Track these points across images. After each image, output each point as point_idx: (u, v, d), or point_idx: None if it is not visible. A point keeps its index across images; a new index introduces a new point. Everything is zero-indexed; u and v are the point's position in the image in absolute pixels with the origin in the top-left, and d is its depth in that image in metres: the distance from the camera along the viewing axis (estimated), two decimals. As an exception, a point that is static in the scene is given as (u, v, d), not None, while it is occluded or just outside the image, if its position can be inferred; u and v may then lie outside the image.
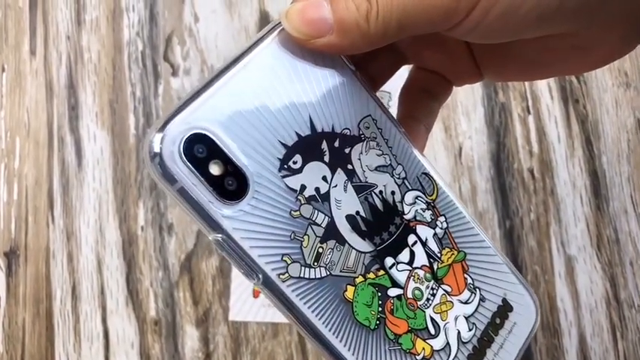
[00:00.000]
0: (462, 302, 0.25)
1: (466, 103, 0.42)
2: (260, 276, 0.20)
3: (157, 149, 0.18)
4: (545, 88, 0.42)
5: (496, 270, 0.26)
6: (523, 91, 0.42)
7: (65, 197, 0.41)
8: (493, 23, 0.20)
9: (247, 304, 0.39)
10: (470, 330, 0.25)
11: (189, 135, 0.19)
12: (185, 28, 0.43)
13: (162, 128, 0.18)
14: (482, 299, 0.25)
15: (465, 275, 0.25)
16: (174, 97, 0.42)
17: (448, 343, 0.25)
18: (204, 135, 0.19)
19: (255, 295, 0.39)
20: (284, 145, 0.21)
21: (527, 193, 0.41)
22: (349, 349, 0.22)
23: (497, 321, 0.26)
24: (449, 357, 0.25)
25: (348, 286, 0.22)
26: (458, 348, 0.25)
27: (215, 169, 0.19)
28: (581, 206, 0.40)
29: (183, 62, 0.43)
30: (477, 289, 0.25)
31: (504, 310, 0.26)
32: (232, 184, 0.20)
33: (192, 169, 0.19)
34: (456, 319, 0.25)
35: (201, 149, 0.19)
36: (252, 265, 0.20)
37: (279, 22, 0.20)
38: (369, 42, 0.20)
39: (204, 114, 0.19)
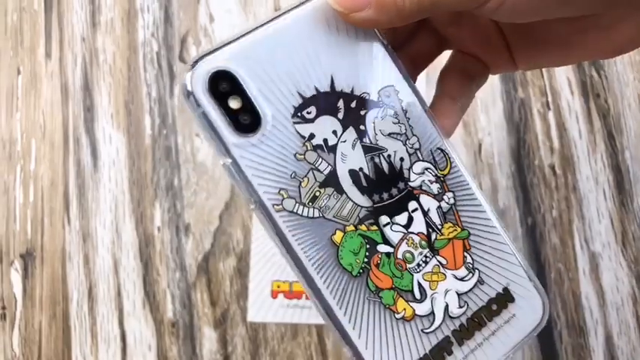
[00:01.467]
0: (456, 278, 0.25)
1: (485, 99, 0.41)
2: (256, 202, 0.22)
3: (187, 77, 0.21)
4: (565, 83, 0.41)
5: (503, 259, 0.25)
6: (543, 86, 0.41)
7: (81, 198, 0.41)
8: (516, 2, 0.21)
9: (266, 305, 0.39)
10: (460, 307, 0.25)
11: (215, 70, 0.22)
12: (200, 28, 0.43)
13: (196, 61, 0.21)
14: (480, 281, 0.25)
15: (465, 254, 0.25)
16: (189, 97, 0.42)
17: (433, 312, 0.24)
18: (229, 73, 0.22)
19: (274, 295, 0.39)
20: (302, 95, 0.23)
21: (548, 190, 0.40)
22: (327, 287, 0.23)
23: (494, 307, 0.25)
24: (431, 325, 0.24)
25: (338, 231, 0.24)
26: (443, 320, 0.25)
27: (233, 104, 0.22)
28: (604, 202, 0.40)
29: (199, 62, 0.43)
30: (476, 270, 0.25)
31: (504, 299, 0.25)
32: (247, 120, 0.22)
33: (213, 99, 0.22)
34: (446, 292, 0.25)
35: (224, 85, 0.22)
36: (251, 191, 0.22)
37: None
38: (404, 17, 0.22)
39: (233, 55, 0.22)
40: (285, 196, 0.23)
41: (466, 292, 0.25)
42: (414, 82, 0.25)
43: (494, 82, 0.41)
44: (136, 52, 0.43)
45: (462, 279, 0.25)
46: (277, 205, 0.23)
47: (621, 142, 0.40)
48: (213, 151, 0.22)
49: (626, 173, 0.40)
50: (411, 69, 0.26)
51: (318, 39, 0.23)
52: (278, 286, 0.39)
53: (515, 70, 0.27)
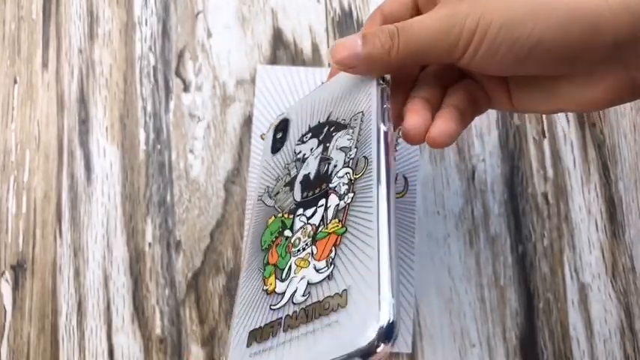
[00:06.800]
0: (314, 268, 0.26)
1: (480, 125, 0.41)
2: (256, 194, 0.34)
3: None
4: (561, 112, 0.41)
5: (362, 262, 0.23)
6: (538, 114, 0.41)
7: (73, 211, 0.41)
8: (481, 62, 0.26)
9: (254, 325, 0.39)
10: (303, 296, 0.25)
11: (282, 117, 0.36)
12: (198, 43, 0.43)
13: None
14: (330, 276, 0.25)
15: (333, 248, 0.25)
16: (185, 112, 0.42)
17: (284, 294, 0.26)
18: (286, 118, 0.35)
19: (262, 315, 0.39)
20: (309, 126, 0.33)
21: (540, 218, 0.40)
22: (247, 252, 0.31)
23: (326, 306, 0.23)
24: (277, 304, 0.26)
25: (273, 216, 0.31)
26: (287, 303, 0.26)
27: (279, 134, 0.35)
28: (596, 233, 0.40)
29: (195, 78, 0.43)
30: (333, 265, 0.25)
31: (337, 301, 0.23)
32: (280, 145, 0.34)
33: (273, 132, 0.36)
34: (302, 278, 0.26)
35: (281, 125, 0.35)
36: (256, 186, 0.34)
37: None
38: (391, 69, 0.28)
39: (291, 107, 0.36)
40: (264, 192, 0.33)
41: (314, 284, 0.25)
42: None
43: (490, 108, 0.41)
44: (133, 66, 0.43)
45: (318, 270, 0.25)
46: (260, 196, 0.33)
47: (615, 173, 0.40)
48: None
49: (619, 204, 0.40)
50: (440, 86, 0.30)
51: (334, 93, 0.32)
52: (267, 307, 0.39)
53: (511, 109, 0.30)
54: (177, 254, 0.40)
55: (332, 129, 0.30)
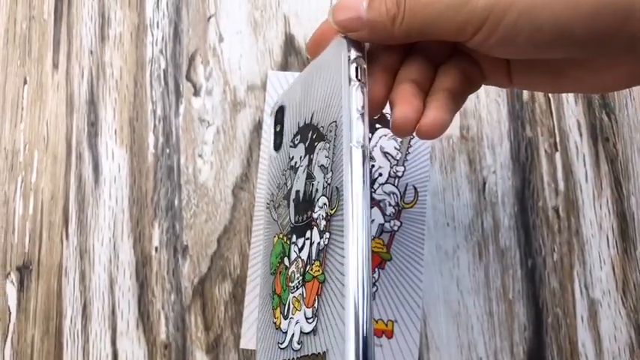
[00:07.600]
0: (305, 315, 0.26)
1: (492, 136, 0.41)
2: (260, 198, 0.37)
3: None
4: (574, 125, 0.41)
5: (336, 322, 0.23)
6: (551, 126, 0.41)
7: (80, 214, 0.41)
8: (495, 45, 0.23)
9: (259, 333, 0.38)
10: (299, 344, 0.26)
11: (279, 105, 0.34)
12: (209, 47, 0.43)
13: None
14: (314, 331, 0.25)
15: (316, 297, 0.25)
16: (195, 117, 0.42)
17: (286, 333, 0.27)
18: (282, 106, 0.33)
19: (268, 324, 0.39)
20: (298, 125, 0.31)
21: (551, 233, 0.40)
22: (262, 272, 0.32)
23: None
24: (282, 343, 0.27)
25: (276, 235, 0.30)
26: (288, 345, 0.26)
27: (277, 128, 0.34)
28: (607, 249, 0.39)
29: (206, 82, 0.42)
30: (317, 319, 0.25)
31: None
32: (279, 141, 0.33)
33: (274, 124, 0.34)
34: (297, 322, 0.26)
35: (279, 115, 0.33)
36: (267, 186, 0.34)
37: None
38: (394, 39, 0.25)
39: (285, 95, 0.34)
40: (270, 200, 0.32)
41: (305, 333, 0.25)
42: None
43: (501, 119, 0.41)
44: (143, 69, 0.43)
45: (307, 319, 0.26)
46: (268, 204, 0.33)
47: (628, 188, 0.40)
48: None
49: (631, 220, 0.39)
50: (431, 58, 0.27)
51: (316, 82, 0.28)
52: (272, 315, 0.38)
53: (508, 86, 0.29)
54: (184, 259, 0.40)
55: (314, 136, 0.28)
